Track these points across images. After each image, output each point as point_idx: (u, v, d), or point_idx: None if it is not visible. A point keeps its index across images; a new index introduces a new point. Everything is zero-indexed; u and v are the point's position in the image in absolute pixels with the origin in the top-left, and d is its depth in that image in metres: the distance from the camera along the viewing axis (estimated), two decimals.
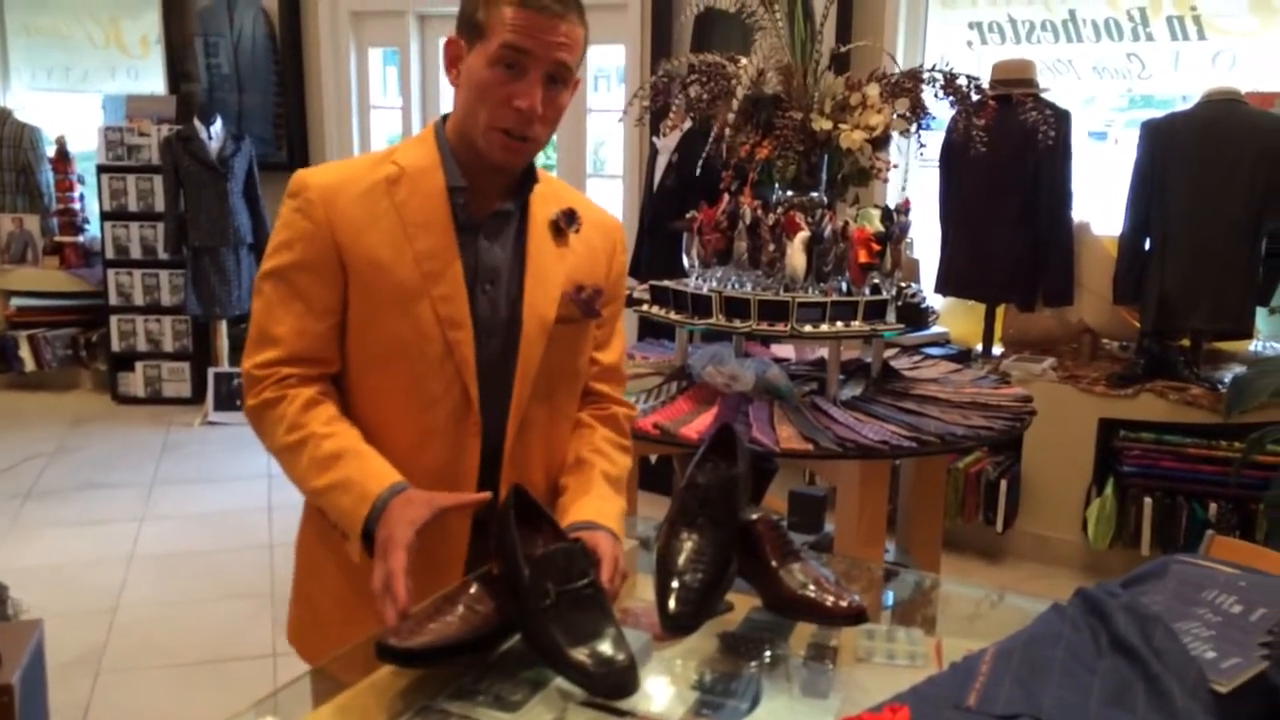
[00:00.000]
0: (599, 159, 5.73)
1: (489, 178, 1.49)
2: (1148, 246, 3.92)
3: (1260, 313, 3.89)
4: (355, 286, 1.44)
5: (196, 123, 5.63)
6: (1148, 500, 3.81)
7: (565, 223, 1.56)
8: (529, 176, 1.53)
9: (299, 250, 1.44)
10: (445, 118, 1.52)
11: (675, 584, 1.28)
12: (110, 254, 5.95)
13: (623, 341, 1.71)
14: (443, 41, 1.48)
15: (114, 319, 6.03)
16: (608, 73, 5.68)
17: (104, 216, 5.92)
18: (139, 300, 6.01)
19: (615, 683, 1.12)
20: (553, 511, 1.43)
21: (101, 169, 5.88)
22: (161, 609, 3.62)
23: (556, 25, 1.39)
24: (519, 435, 1.51)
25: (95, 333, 6.27)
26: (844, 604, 1.26)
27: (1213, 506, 3.73)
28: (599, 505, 1.48)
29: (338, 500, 1.38)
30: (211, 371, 5.85)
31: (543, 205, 1.55)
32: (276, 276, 1.45)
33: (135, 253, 5.96)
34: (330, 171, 1.49)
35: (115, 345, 6.07)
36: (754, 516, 1.35)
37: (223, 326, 5.90)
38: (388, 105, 6.11)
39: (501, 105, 1.40)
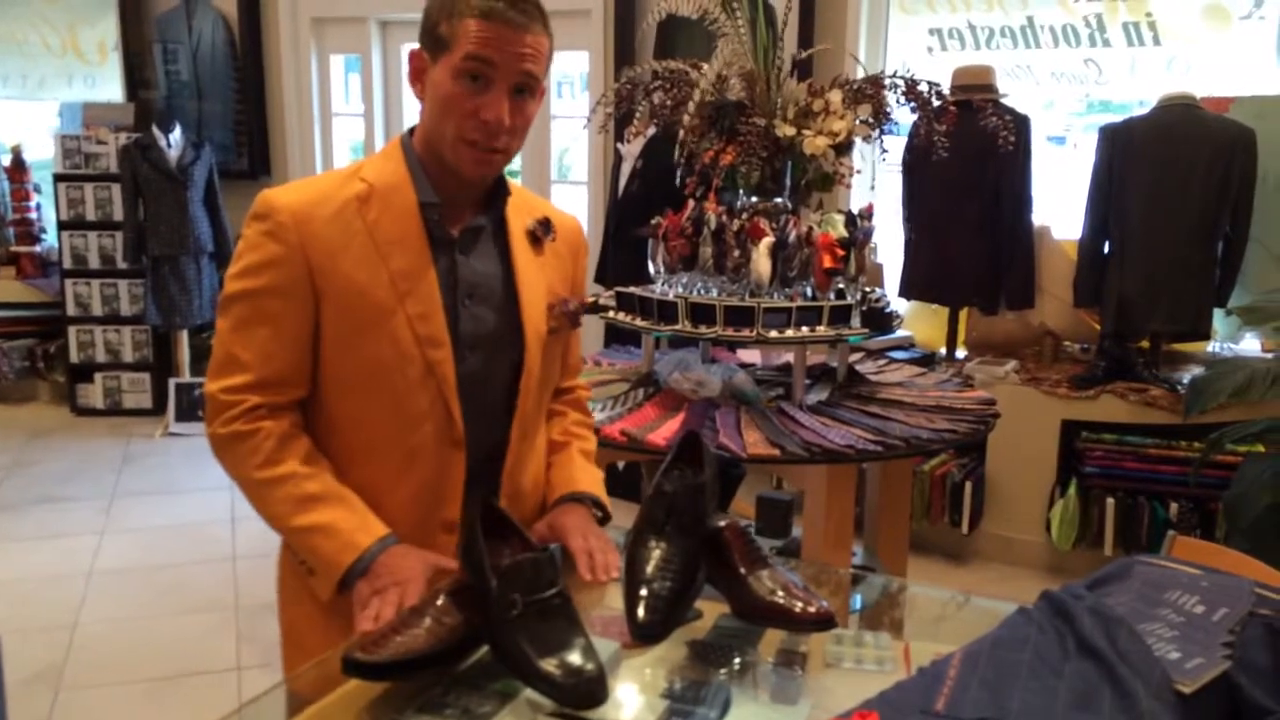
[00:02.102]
0: (564, 165, 5.72)
1: (461, 192, 1.49)
2: (1107, 250, 3.98)
3: (1217, 314, 3.94)
4: (330, 309, 1.42)
5: (155, 130, 5.56)
6: (1110, 500, 3.86)
7: (542, 232, 1.58)
8: (500, 189, 1.53)
9: (269, 275, 1.40)
10: (412, 130, 1.51)
11: (644, 592, 1.28)
12: (68, 264, 5.87)
13: (579, 339, 1.75)
14: (406, 51, 1.48)
15: (72, 329, 5.94)
16: (571, 79, 5.67)
17: (61, 226, 5.84)
18: (97, 310, 5.93)
19: (585, 693, 1.12)
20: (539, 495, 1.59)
21: (58, 178, 5.80)
22: (122, 624, 3.56)
23: (521, 36, 1.38)
24: (519, 445, 1.54)
25: (53, 344, 6.17)
26: (812, 610, 1.27)
27: (1173, 506, 3.78)
28: (581, 476, 1.63)
29: (317, 544, 1.39)
30: (172, 382, 5.78)
31: (516, 215, 1.56)
32: (244, 300, 1.42)
33: (93, 262, 5.88)
34: (298, 191, 1.45)
35: (74, 356, 5.98)
36: (721, 524, 1.35)
37: (184, 336, 5.83)
38: (350, 112, 6.06)
39: (468, 118, 1.40)
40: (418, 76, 1.45)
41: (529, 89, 1.43)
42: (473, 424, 1.49)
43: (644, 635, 1.26)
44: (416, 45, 1.45)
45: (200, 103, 6.11)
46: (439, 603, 1.20)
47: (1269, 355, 3.83)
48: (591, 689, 1.12)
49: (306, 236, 1.40)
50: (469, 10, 1.37)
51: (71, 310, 5.92)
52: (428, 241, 1.46)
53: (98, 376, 6.01)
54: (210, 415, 1.43)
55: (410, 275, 1.44)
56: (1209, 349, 4.15)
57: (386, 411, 1.45)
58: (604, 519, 1.60)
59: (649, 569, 1.31)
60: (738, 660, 1.31)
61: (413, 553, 1.39)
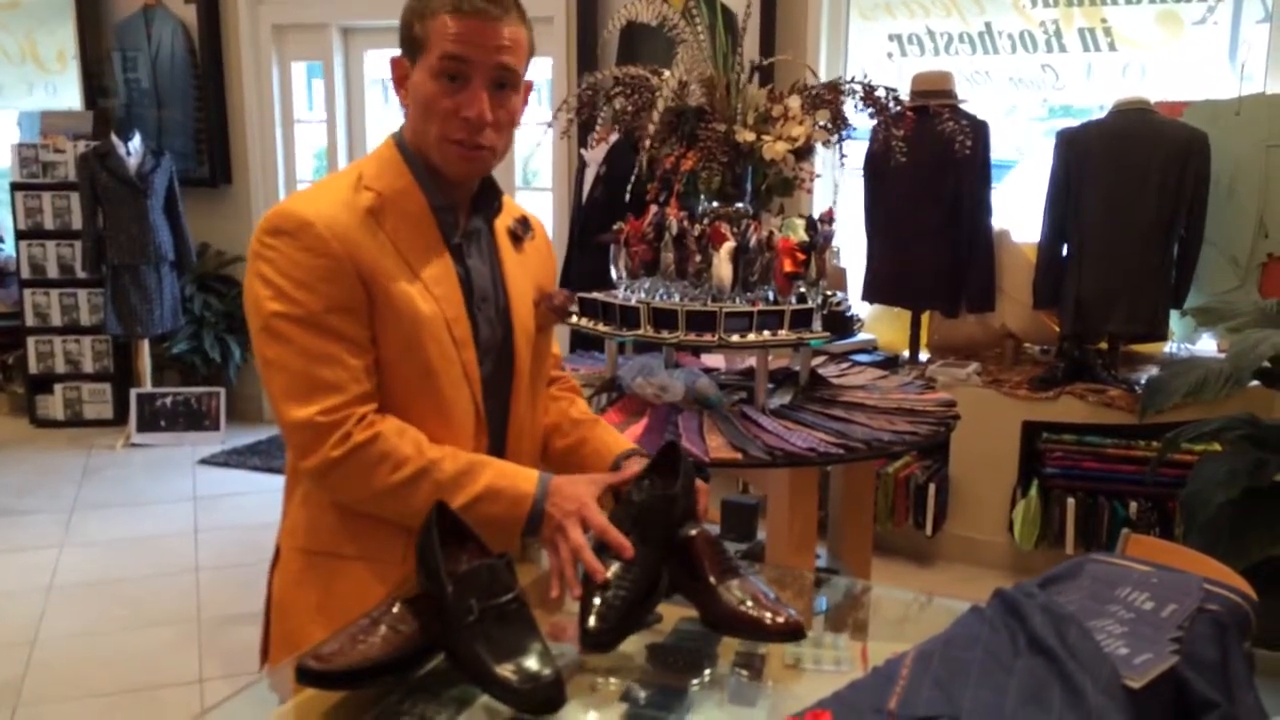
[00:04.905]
0: (529, 171, 5.72)
1: (459, 194, 1.49)
2: (1065, 252, 4.02)
3: (1174, 315, 4.00)
4: (383, 318, 1.40)
5: (114, 138, 5.50)
6: (1070, 500, 3.90)
7: (521, 230, 1.59)
8: (492, 189, 1.53)
9: (324, 292, 1.35)
10: (400, 132, 1.50)
11: (597, 601, 1.26)
12: (26, 273, 5.80)
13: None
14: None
15: (31, 340, 5.87)
16: (536, 85, 5.67)
17: (19, 235, 5.77)
18: (57, 320, 5.86)
19: (542, 698, 1.12)
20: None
21: (15, 186, 5.73)
22: (83, 639, 3.52)
23: (496, 28, 1.38)
24: (517, 443, 1.56)
25: (11, 355, 6.10)
26: (781, 620, 1.27)
27: (1133, 505, 3.83)
28: (621, 440, 1.64)
29: (488, 510, 1.37)
30: (134, 392, 5.72)
31: (499, 216, 1.58)
32: (304, 323, 1.35)
33: (52, 272, 5.81)
34: (318, 201, 1.40)
35: (33, 367, 5.90)
36: (692, 532, 1.35)
37: (144, 346, 5.77)
38: (312, 119, 6.03)
39: (449, 117, 1.39)
40: (400, 83, 1.45)
41: (509, 83, 1.42)
42: (491, 422, 1.51)
43: (592, 644, 1.25)
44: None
45: (160, 110, 6.05)
46: (395, 610, 1.19)
47: (1223, 355, 3.89)
48: (549, 694, 1.12)
49: (351, 247, 1.37)
50: (441, 6, 1.37)
51: (30, 320, 5.85)
52: (445, 245, 1.47)
53: (57, 387, 5.93)
54: (311, 443, 1.36)
55: (439, 280, 1.44)
56: (1166, 350, 4.21)
57: (434, 415, 1.44)
58: None
59: (606, 577, 1.31)
60: (697, 663, 1.31)
61: (572, 482, 1.41)
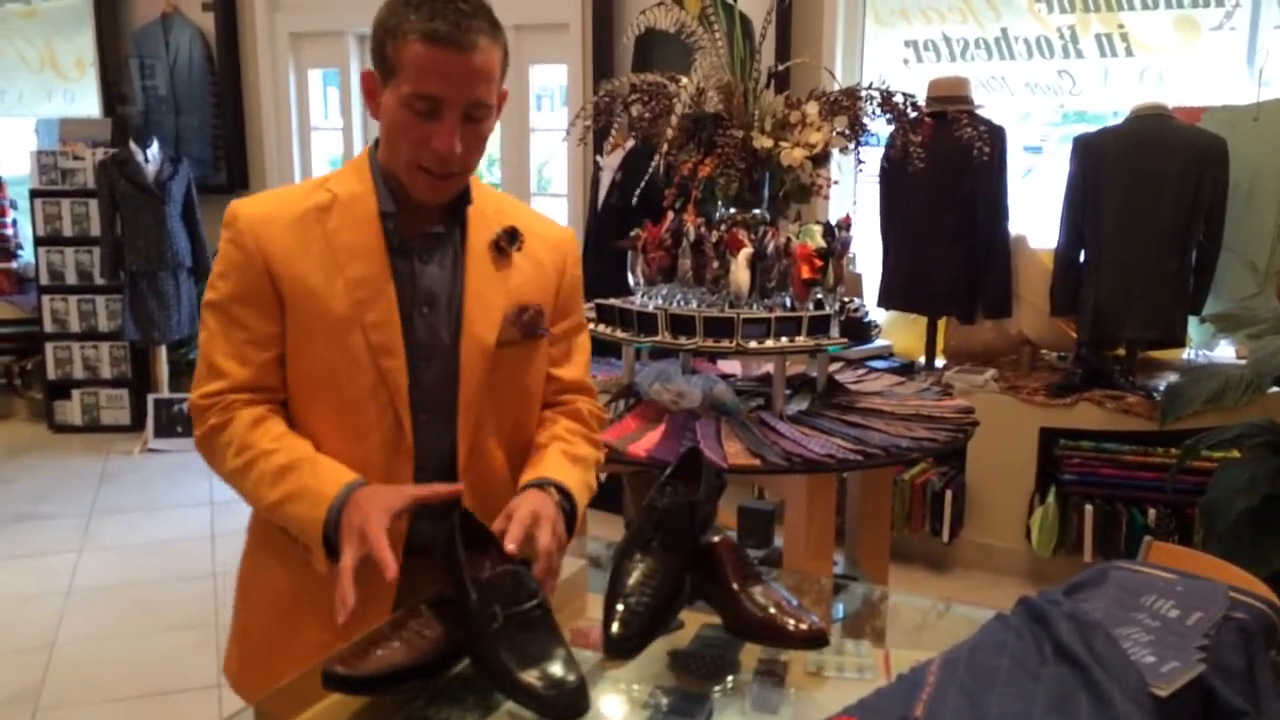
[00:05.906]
0: (544, 178, 5.73)
1: (421, 201, 1.49)
2: (1082, 258, 4.01)
3: (1192, 322, 3.98)
4: (291, 315, 1.44)
5: (133, 145, 5.54)
6: (1088, 507, 3.88)
7: (507, 242, 1.54)
8: (461, 197, 1.52)
9: (234, 282, 1.44)
10: (379, 142, 1.51)
11: (620, 606, 1.27)
12: (45, 280, 5.83)
13: (585, 356, 1.69)
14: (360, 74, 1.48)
15: (49, 346, 5.90)
16: (551, 92, 5.68)
17: (38, 242, 5.80)
18: (75, 326, 5.90)
19: (566, 704, 1.12)
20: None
21: (34, 193, 5.77)
22: (101, 643, 3.53)
23: (468, 59, 1.34)
24: (470, 459, 1.50)
25: (30, 360, 6.14)
26: (804, 627, 1.27)
27: (1151, 512, 3.81)
28: (549, 468, 1.48)
29: (293, 510, 1.36)
30: (151, 398, 5.74)
31: (483, 225, 1.53)
32: (217, 308, 1.45)
33: (71, 278, 5.85)
34: (263, 201, 1.49)
35: (51, 373, 5.94)
36: (715, 539, 1.35)
37: (162, 352, 5.80)
38: (329, 126, 6.06)
39: (419, 146, 1.38)
40: (371, 97, 1.44)
41: (480, 115, 1.40)
42: (429, 434, 1.48)
43: (615, 651, 1.25)
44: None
45: (178, 118, 6.09)
46: (419, 615, 1.20)
47: (1242, 362, 3.87)
48: (573, 700, 1.12)
49: (264, 242, 1.42)
50: (412, 32, 1.34)
51: (49, 326, 5.88)
52: (386, 250, 1.46)
53: (75, 393, 5.97)
54: (193, 423, 1.45)
55: (367, 283, 1.44)
56: (1184, 356, 4.19)
57: (336, 419, 1.45)
58: (570, 510, 1.46)
59: (630, 582, 1.31)
60: (720, 670, 1.31)
61: (380, 495, 1.32)
